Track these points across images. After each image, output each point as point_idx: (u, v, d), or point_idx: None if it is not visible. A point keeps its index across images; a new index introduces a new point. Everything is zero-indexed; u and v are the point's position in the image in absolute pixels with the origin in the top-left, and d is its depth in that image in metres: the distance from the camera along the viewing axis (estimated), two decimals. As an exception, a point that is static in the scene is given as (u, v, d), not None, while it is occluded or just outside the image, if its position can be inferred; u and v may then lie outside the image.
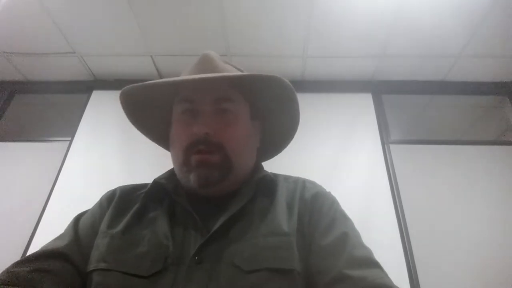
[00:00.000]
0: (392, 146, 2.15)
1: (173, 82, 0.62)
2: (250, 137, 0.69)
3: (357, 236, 0.60)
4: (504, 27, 1.97)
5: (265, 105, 0.72)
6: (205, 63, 0.68)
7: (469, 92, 2.38)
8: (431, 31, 2.01)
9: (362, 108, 2.29)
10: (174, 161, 0.67)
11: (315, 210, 0.63)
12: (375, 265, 0.55)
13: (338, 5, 1.90)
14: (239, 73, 0.68)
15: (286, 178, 0.72)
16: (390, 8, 1.91)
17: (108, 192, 0.72)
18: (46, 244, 0.61)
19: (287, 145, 0.78)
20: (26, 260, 0.56)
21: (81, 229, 0.63)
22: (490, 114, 2.49)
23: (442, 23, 1.97)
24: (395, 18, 1.96)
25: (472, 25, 1.98)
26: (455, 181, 2.01)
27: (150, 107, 0.72)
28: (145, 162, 2.00)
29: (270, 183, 0.67)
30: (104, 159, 2.09)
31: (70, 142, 2.20)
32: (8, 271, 0.53)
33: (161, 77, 2.39)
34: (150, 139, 0.78)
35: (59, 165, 2.10)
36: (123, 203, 0.67)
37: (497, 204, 1.92)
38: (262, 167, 0.73)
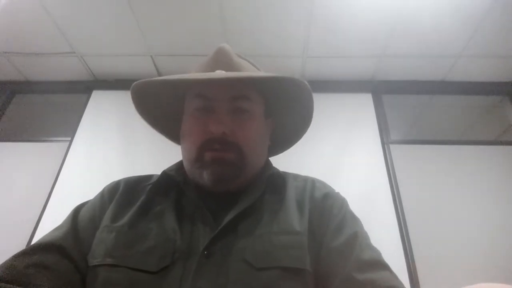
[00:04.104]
0: (392, 146, 2.15)
1: (194, 80, 0.60)
2: (263, 136, 0.69)
3: (366, 237, 0.60)
4: (504, 27, 1.97)
5: (279, 103, 0.71)
6: (221, 57, 0.66)
7: (469, 92, 2.38)
8: (431, 31, 2.01)
9: (362, 108, 2.30)
10: (185, 156, 0.66)
11: (326, 210, 0.63)
12: (384, 267, 0.54)
13: (338, 5, 1.90)
14: (255, 70, 0.68)
15: (295, 176, 0.72)
16: (390, 8, 1.91)
17: (111, 183, 0.70)
18: (44, 236, 0.60)
19: (295, 143, 0.78)
20: (23, 254, 0.55)
21: (80, 222, 0.62)
22: (490, 114, 2.49)
23: (442, 23, 1.97)
24: (395, 18, 1.96)
25: (472, 25, 1.97)
26: (455, 181, 2.01)
27: (159, 99, 0.71)
28: (145, 161, 2.01)
29: (279, 180, 0.67)
30: (104, 159, 2.10)
31: (70, 142, 2.20)
32: (5, 265, 0.52)
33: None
34: (157, 130, 0.77)
35: (59, 165, 2.10)
36: (128, 195, 0.66)
37: (497, 203, 1.92)
38: (271, 164, 0.73)
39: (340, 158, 2.07)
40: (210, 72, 0.63)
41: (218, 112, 0.62)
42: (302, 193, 0.66)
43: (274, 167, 0.71)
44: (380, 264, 0.54)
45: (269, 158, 0.76)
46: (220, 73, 0.62)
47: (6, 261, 0.54)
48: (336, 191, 0.70)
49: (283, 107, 0.72)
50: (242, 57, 0.71)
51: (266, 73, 0.63)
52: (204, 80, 0.59)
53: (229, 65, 0.65)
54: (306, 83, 0.63)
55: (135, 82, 0.65)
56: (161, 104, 0.72)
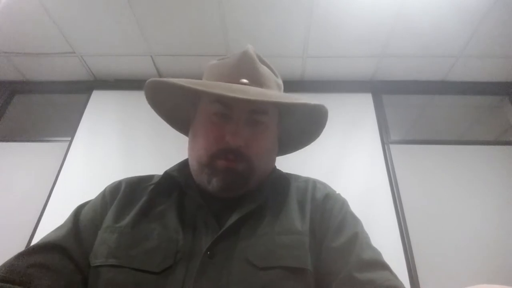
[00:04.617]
0: (392, 146, 2.15)
1: (221, 95, 0.57)
2: (274, 147, 0.70)
3: (366, 238, 0.60)
4: (504, 27, 1.97)
5: (292, 116, 0.73)
6: (246, 64, 0.66)
7: (469, 92, 2.39)
8: (431, 31, 2.01)
9: (362, 108, 2.30)
10: (194, 158, 0.65)
11: (326, 211, 0.63)
12: (384, 267, 0.54)
13: (339, 5, 1.90)
14: (276, 79, 0.70)
15: (296, 177, 0.73)
16: (390, 8, 1.91)
17: (112, 184, 0.70)
18: (45, 236, 0.60)
19: (298, 150, 0.80)
20: (25, 253, 0.55)
21: (82, 222, 0.62)
22: (490, 114, 2.49)
23: (442, 23, 1.97)
24: (396, 18, 1.96)
25: (472, 25, 1.97)
26: (455, 181, 2.01)
27: (172, 93, 0.69)
28: (145, 162, 2.00)
29: (283, 182, 0.68)
30: (104, 159, 2.10)
31: (70, 142, 2.20)
32: (7, 266, 0.52)
33: (160, 77, 2.38)
34: (163, 119, 0.75)
35: (59, 165, 2.10)
36: (130, 196, 0.66)
37: (497, 204, 1.92)
38: (275, 167, 0.73)
39: (340, 158, 2.07)
40: (235, 85, 0.61)
41: (236, 122, 0.62)
42: (304, 193, 0.67)
43: (278, 170, 0.72)
44: (380, 264, 0.55)
45: None
46: (245, 88, 0.60)
47: (7, 261, 0.54)
48: (337, 192, 0.70)
49: (294, 119, 0.73)
50: (263, 60, 0.71)
51: (292, 98, 0.62)
52: (231, 98, 0.57)
53: (253, 75, 0.65)
54: (325, 107, 0.66)
55: (154, 80, 0.64)
56: (171, 94, 0.70)
